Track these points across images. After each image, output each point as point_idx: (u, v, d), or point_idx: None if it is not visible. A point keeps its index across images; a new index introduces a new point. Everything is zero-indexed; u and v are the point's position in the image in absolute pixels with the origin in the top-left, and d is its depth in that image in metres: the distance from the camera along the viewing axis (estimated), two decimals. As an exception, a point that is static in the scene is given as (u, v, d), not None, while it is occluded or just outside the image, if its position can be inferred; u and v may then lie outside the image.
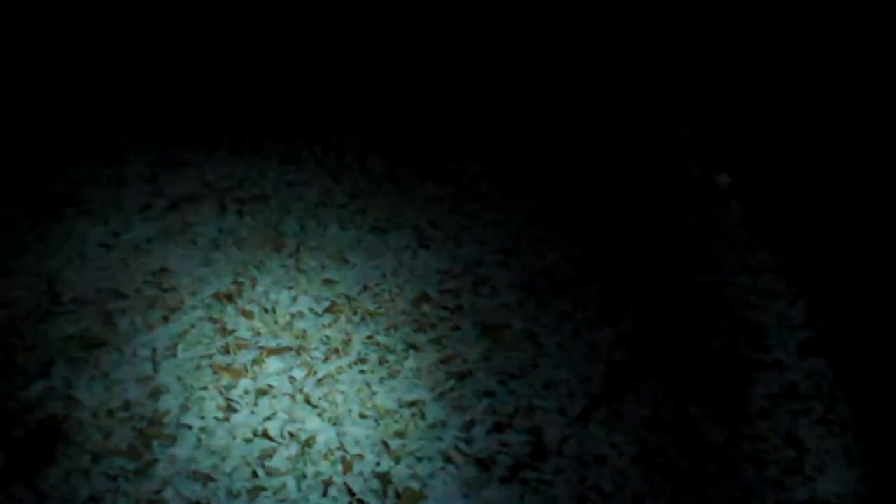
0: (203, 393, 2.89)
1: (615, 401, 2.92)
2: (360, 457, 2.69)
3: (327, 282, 3.39)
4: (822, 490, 2.65)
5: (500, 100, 4.68)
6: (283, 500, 2.55)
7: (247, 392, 2.90)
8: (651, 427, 2.82)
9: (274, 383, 2.94)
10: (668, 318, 3.24)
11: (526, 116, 4.52)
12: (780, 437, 2.81)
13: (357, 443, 2.74)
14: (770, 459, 2.74)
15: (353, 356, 3.06)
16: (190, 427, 2.77)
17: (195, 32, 5.22)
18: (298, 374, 2.98)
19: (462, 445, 2.75)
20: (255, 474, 2.63)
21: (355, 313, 3.25)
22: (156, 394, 2.89)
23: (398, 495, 2.58)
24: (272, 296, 3.32)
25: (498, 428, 2.82)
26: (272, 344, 3.09)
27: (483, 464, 2.69)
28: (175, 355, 3.03)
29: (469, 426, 2.82)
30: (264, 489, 2.59)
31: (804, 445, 2.78)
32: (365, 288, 3.37)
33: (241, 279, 3.40)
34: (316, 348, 3.09)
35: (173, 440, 2.73)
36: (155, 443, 2.72)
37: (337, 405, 2.87)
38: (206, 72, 4.86)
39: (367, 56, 5.02)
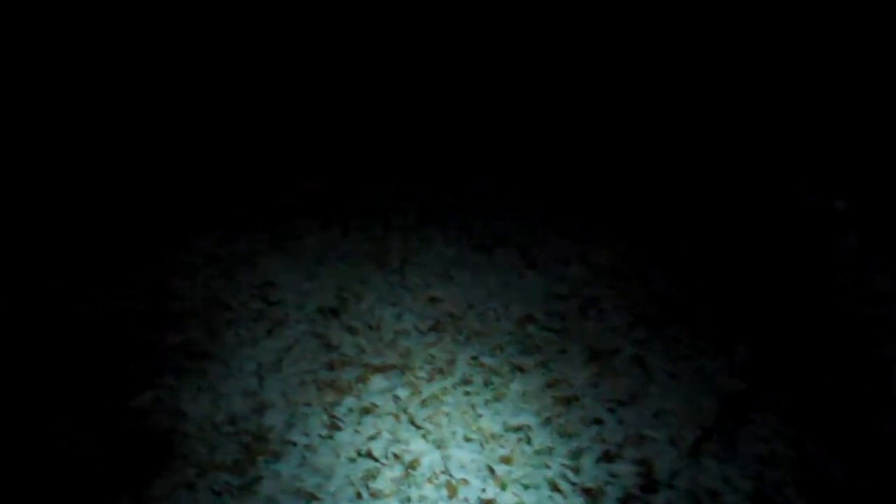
0: (307, 409, 2.87)
1: (729, 433, 2.81)
2: (465, 482, 2.63)
3: (432, 299, 3.35)
4: (953, 538, 2.51)
5: (612, 127, 4.60)
6: (386, 523, 2.51)
7: (351, 410, 2.87)
8: (767, 463, 2.71)
9: (378, 402, 2.91)
10: (786, 349, 3.12)
11: (640, 137, 4.43)
12: (907, 479, 2.67)
13: (462, 467, 2.68)
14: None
15: (457, 377, 3.01)
16: (294, 444, 2.75)
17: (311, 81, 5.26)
18: (402, 393, 2.94)
19: (569, 474, 2.68)
20: (359, 495, 2.59)
21: (460, 332, 3.20)
22: (261, 408, 2.87)
23: (504, 523, 2.52)
24: (376, 312, 3.29)
25: (606, 457, 2.74)
26: (376, 361, 3.06)
27: (591, 494, 2.61)
28: (280, 370, 3.02)
29: (577, 454, 2.74)
30: (368, 511, 2.55)
31: (932, 489, 2.64)
32: (470, 307, 3.32)
33: (345, 294, 3.38)
34: (420, 367, 3.05)
35: (278, 456, 2.71)
36: (260, 458, 2.70)
37: (441, 427, 2.82)
38: (315, 102, 4.88)
39: (477, 84, 4.98)
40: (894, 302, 3.29)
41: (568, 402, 2.93)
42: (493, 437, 2.79)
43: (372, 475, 2.65)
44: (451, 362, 3.07)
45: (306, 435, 2.79)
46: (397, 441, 2.78)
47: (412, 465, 2.68)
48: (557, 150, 4.37)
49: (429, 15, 5.01)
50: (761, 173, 4.08)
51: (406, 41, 5.14)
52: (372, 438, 2.78)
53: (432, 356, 3.09)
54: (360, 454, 2.73)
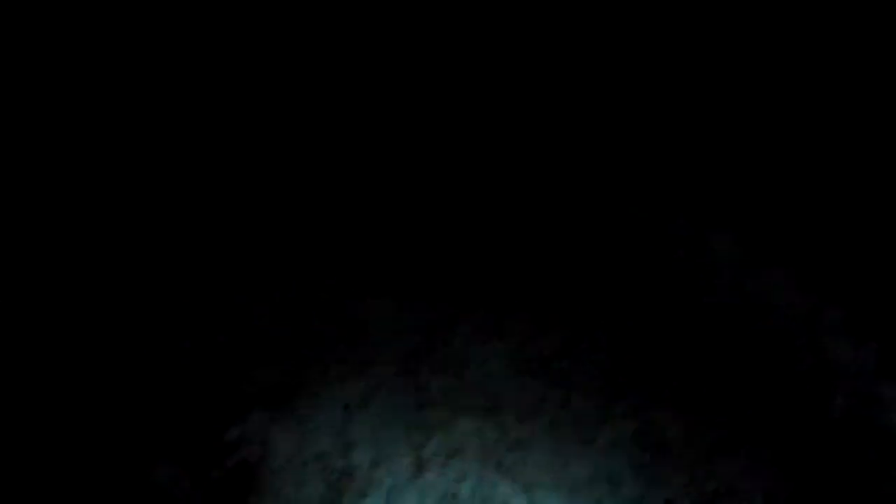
0: (394, 449, 2.86)
1: (826, 488, 2.72)
2: (553, 528, 2.59)
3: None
4: None
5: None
6: (472, 569, 2.48)
7: (438, 452, 2.85)
8: (868, 520, 2.61)
9: (465, 444, 2.88)
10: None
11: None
12: None
13: (549, 513, 2.64)
14: None
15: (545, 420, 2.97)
16: (381, 483, 2.74)
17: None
18: (490, 436, 2.91)
19: (661, 524, 2.62)
20: (444, 538, 2.56)
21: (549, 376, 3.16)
22: (348, 446, 2.87)
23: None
24: (466, 351, 3.27)
25: (698, 508, 2.67)
26: (464, 403, 3.04)
27: (682, 546, 2.54)
28: (367, 408, 3.01)
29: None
30: (453, 554, 2.52)
31: None
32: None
33: (434, 334, 3.37)
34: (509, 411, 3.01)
35: (364, 495, 2.71)
36: (346, 497, 2.70)
37: (528, 473, 2.78)
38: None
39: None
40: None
41: (659, 448, 2.87)
42: (582, 484, 2.74)
43: (458, 518, 2.63)
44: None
45: (392, 475, 2.79)
46: (483, 485, 2.75)
47: (499, 510, 2.65)
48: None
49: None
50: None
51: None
52: (458, 481, 2.77)
53: (520, 398, 3.06)
54: (446, 497, 2.71)
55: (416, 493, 2.71)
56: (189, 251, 3.90)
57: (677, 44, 4.52)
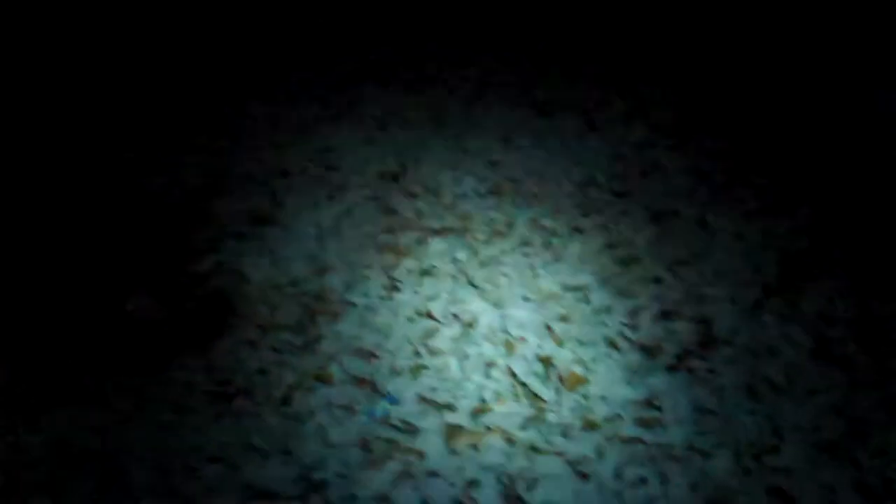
0: (367, 272, 2.90)
1: (791, 292, 2.78)
2: (523, 339, 2.65)
3: (491, 163, 3.33)
4: None
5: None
6: (445, 380, 2.55)
7: (410, 272, 2.90)
8: (829, 321, 2.68)
9: (437, 264, 2.93)
10: (851, 208, 3.05)
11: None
12: (973, 338, 2.63)
13: (520, 325, 2.70)
14: (961, 359, 2.57)
15: (516, 239, 3.01)
16: (354, 304, 2.79)
17: None
18: (461, 255, 2.95)
19: (627, 332, 2.68)
20: (417, 353, 2.63)
21: (519, 196, 3.19)
22: (321, 271, 2.91)
23: (561, 379, 2.54)
24: (436, 176, 3.29)
25: (665, 315, 2.73)
26: (435, 225, 3.07)
27: (648, 351, 2.62)
28: (339, 234, 3.04)
29: (635, 313, 2.74)
30: (426, 368, 2.59)
31: None
32: (530, 170, 3.30)
33: (404, 159, 3.37)
34: (479, 230, 3.05)
35: (338, 317, 2.76)
36: (320, 318, 2.75)
37: (500, 287, 2.83)
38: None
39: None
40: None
41: (627, 262, 2.92)
42: (552, 296, 2.80)
43: (431, 334, 2.68)
44: (510, 225, 3.07)
45: (366, 296, 2.83)
46: (456, 301, 2.80)
47: (470, 324, 2.71)
48: (616, 10, 4.25)
49: None
50: (825, 36, 3.93)
51: None
52: (431, 299, 2.81)
53: (491, 219, 3.09)
54: (419, 314, 2.76)
55: (389, 312, 2.76)
56: (156, 95, 3.86)
57: None
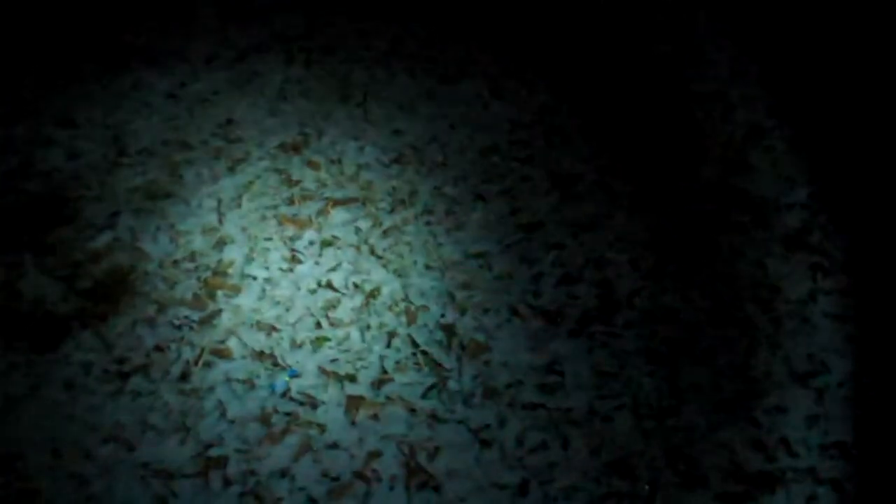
0: (268, 244, 2.86)
1: (691, 253, 2.81)
2: (425, 308, 2.64)
3: (395, 132, 3.29)
4: (906, 346, 2.53)
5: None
6: (346, 351, 2.53)
7: (311, 243, 2.86)
8: (727, 281, 2.72)
9: (339, 234, 2.89)
10: (750, 170, 3.09)
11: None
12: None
13: (422, 294, 2.69)
14: (851, 316, 2.62)
15: (419, 207, 2.99)
16: (254, 278, 2.75)
17: None
18: (364, 225, 2.92)
19: (529, 298, 2.68)
20: (318, 325, 2.60)
21: (423, 164, 3.16)
22: (220, 244, 2.86)
23: (463, 347, 2.53)
24: (338, 146, 3.24)
25: (567, 280, 2.74)
26: (338, 195, 3.03)
27: (550, 316, 2.62)
28: (240, 206, 2.99)
29: (537, 278, 2.75)
30: (328, 340, 2.56)
31: (890, 301, 2.65)
32: (433, 138, 3.27)
33: (307, 130, 3.32)
34: (382, 199, 3.02)
35: (238, 290, 2.72)
36: (219, 293, 2.71)
37: (402, 257, 2.81)
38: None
39: None
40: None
41: (530, 228, 2.91)
42: (454, 264, 2.79)
43: (332, 305, 2.66)
44: (413, 194, 3.04)
45: (266, 269, 2.78)
46: (358, 272, 2.77)
47: (372, 294, 2.69)
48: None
49: None
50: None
51: None
52: (332, 270, 2.78)
53: (394, 188, 3.06)
54: (320, 285, 2.73)
55: (290, 284, 2.73)
56: (45, 62, 3.74)
57: None
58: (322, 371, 2.48)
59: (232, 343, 2.55)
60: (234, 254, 2.82)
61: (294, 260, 2.80)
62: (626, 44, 3.71)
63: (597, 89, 3.48)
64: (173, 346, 2.55)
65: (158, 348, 2.54)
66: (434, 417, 2.35)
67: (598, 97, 3.43)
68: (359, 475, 2.25)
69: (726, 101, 3.33)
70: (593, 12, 3.90)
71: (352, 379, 2.46)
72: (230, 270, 2.77)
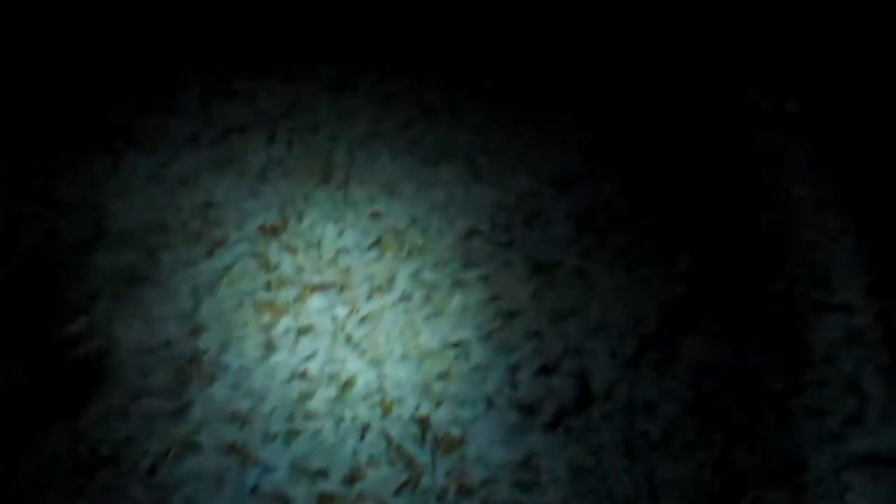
0: (243, 331, 2.83)
1: (669, 343, 2.78)
2: (400, 399, 2.61)
3: (375, 215, 3.28)
4: (884, 443, 2.50)
5: (560, 25, 4.47)
6: (319, 444, 2.49)
7: (288, 330, 2.83)
8: (706, 373, 2.69)
9: (315, 321, 2.86)
10: (728, 256, 3.07)
11: (587, 42, 4.31)
12: (843, 386, 2.65)
13: (398, 385, 2.66)
14: (830, 409, 2.59)
15: (397, 293, 2.96)
16: (229, 367, 2.72)
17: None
18: (341, 311, 2.90)
19: (506, 389, 2.65)
20: (291, 417, 2.57)
21: (402, 248, 3.14)
22: (196, 332, 2.83)
23: (437, 441, 2.50)
24: (318, 230, 3.22)
25: (544, 371, 2.71)
26: (315, 280, 3.01)
27: (527, 409, 2.59)
28: (217, 292, 2.97)
29: (514, 369, 2.72)
30: (301, 432, 2.53)
31: (867, 394, 2.62)
32: (413, 221, 3.26)
33: (287, 212, 3.31)
34: (360, 285, 3.00)
35: (212, 380, 2.68)
36: (193, 382, 2.67)
37: (379, 345, 2.78)
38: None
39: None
40: (839, 207, 3.23)
41: (509, 315, 2.89)
42: (431, 354, 2.76)
43: (307, 396, 2.62)
44: (392, 279, 3.02)
45: (241, 357, 2.75)
46: (333, 361, 2.74)
47: (348, 385, 2.66)
48: (511, 52, 4.25)
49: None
50: (713, 75, 3.98)
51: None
52: (308, 359, 2.75)
53: (373, 273, 3.04)
54: (295, 375, 2.69)
55: (264, 374, 2.69)
56: (27, 140, 3.73)
57: None
58: (294, 466, 2.44)
59: (203, 436, 2.52)
60: (209, 341, 2.79)
61: (269, 348, 2.77)
62: (602, 127, 3.72)
63: (578, 172, 3.48)
64: (144, 438, 2.51)
65: (129, 440, 2.50)
66: (407, 516, 2.32)
67: (580, 181, 3.43)
68: (329, 577, 2.20)
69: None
70: (566, 97, 3.92)
71: (324, 475, 2.42)
72: (205, 359, 2.74)
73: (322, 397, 2.62)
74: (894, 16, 3.68)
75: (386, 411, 2.58)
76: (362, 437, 2.51)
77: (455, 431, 2.53)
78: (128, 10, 4.58)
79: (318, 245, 3.16)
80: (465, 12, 4.54)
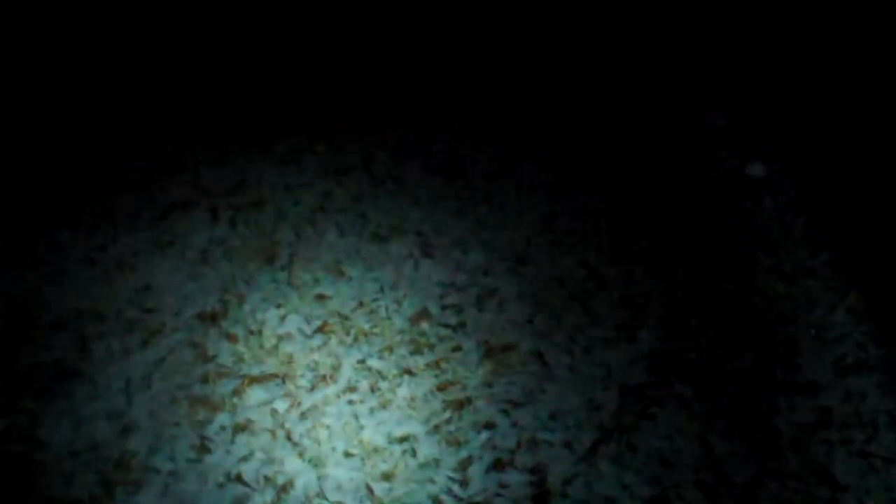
0: (176, 430, 2.65)
1: (628, 432, 2.62)
2: (341, 505, 2.43)
3: (320, 297, 3.12)
4: (860, 541, 2.34)
5: (514, 90, 4.36)
6: (252, 558, 2.30)
7: (223, 428, 2.65)
8: (668, 464, 2.52)
9: (253, 417, 2.69)
10: (691, 334, 2.92)
11: (542, 108, 4.19)
12: (813, 474, 2.49)
13: (339, 487, 2.48)
14: (801, 500, 2.43)
15: (341, 384, 2.80)
16: (158, 471, 2.53)
17: (189, 26, 4.96)
18: (281, 406, 2.72)
19: (455, 488, 2.48)
20: (223, 527, 2.38)
21: (348, 334, 2.98)
22: (126, 432, 2.65)
23: (379, 551, 2.31)
24: (259, 315, 3.06)
25: (497, 466, 2.54)
26: (255, 371, 2.84)
27: (478, 509, 2.41)
28: (150, 386, 2.79)
29: (465, 465, 2.54)
30: (232, 545, 2.34)
31: (840, 483, 2.46)
32: (360, 304, 3.10)
33: (227, 296, 3.14)
34: (302, 375, 2.83)
35: (139, 486, 2.49)
36: (119, 489, 2.48)
37: (320, 443, 2.61)
38: (201, 67, 4.59)
39: (370, 50, 4.71)
40: (806, 278, 3.10)
41: (459, 405, 2.73)
42: (376, 450, 2.59)
43: (241, 502, 2.44)
44: (336, 368, 2.86)
45: (172, 460, 2.57)
46: (271, 462, 2.57)
47: (284, 489, 2.48)
48: (462, 121, 4.12)
49: None
50: (673, 137, 3.86)
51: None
52: (243, 460, 2.57)
53: (316, 362, 2.88)
54: (229, 479, 2.51)
55: (196, 478, 2.51)
56: (-44, 224, 3.56)
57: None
58: (224, 583, 2.26)
59: (126, 552, 2.32)
60: (138, 443, 2.61)
61: (203, 449, 2.59)
62: (560, 197, 3.59)
63: (533, 245, 3.33)
64: (62, 555, 2.31)
65: (46, 559, 2.30)
66: None
67: (535, 255, 3.29)
68: None
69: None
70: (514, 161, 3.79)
71: None
72: (133, 463, 2.56)
73: (257, 503, 2.44)
74: (864, 71, 3.58)
75: (325, 518, 2.40)
76: (298, 549, 2.33)
77: (399, 540, 2.35)
78: (71, 78, 4.44)
79: (260, 332, 2.99)
80: (414, 80, 4.42)
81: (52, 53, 4.59)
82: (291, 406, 2.72)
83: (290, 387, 2.79)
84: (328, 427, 2.66)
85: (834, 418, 2.65)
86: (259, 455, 2.58)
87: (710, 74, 4.25)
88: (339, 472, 2.52)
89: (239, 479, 2.51)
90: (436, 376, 2.82)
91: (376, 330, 3.00)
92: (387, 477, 2.50)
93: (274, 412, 2.70)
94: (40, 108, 4.24)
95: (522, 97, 4.26)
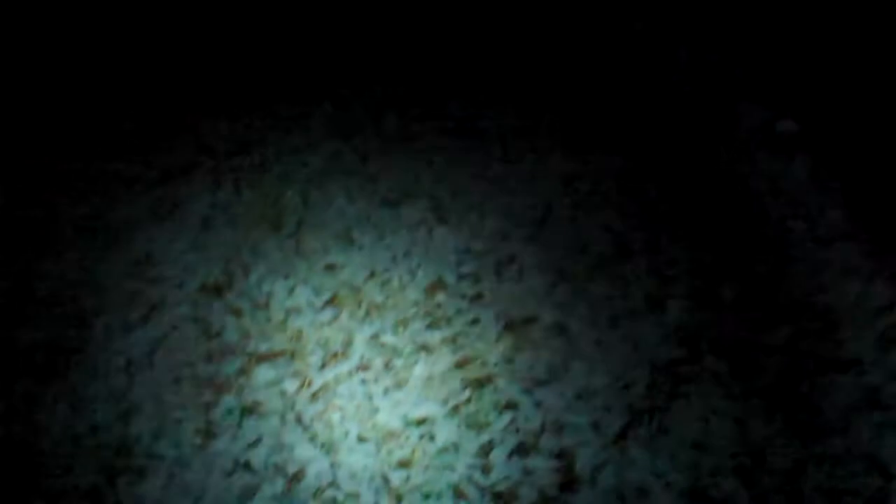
0: (180, 413, 2.50)
1: (660, 413, 2.46)
2: (355, 496, 2.27)
3: (329, 267, 2.95)
4: (914, 534, 2.18)
5: (529, 44, 4.14)
6: (262, 553, 2.16)
7: (230, 411, 2.50)
8: (703, 448, 2.36)
9: (261, 398, 2.53)
10: (723, 305, 2.75)
11: (562, 63, 3.98)
12: (861, 460, 2.33)
13: (352, 476, 2.33)
14: (848, 489, 2.27)
15: (354, 361, 2.64)
16: (162, 458, 2.38)
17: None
18: (290, 386, 2.57)
19: (477, 475, 2.33)
20: (231, 520, 2.23)
21: (359, 307, 2.81)
22: (127, 415, 2.50)
23: (397, 547, 2.17)
24: (265, 287, 2.89)
25: (520, 451, 2.38)
26: (262, 348, 2.68)
27: (502, 498, 2.26)
28: (152, 365, 2.63)
29: (486, 450, 2.39)
30: (241, 539, 2.19)
31: (891, 471, 2.30)
32: (372, 274, 2.93)
33: (231, 267, 2.97)
34: (312, 352, 2.67)
35: (143, 474, 2.35)
36: (121, 479, 2.33)
37: (332, 427, 2.45)
38: (199, 23, 4.38)
39: (382, 3, 4.49)
40: (844, 241, 2.91)
41: (479, 384, 2.57)
42: (391, 434, 2.43)
43: (249, 492, 2.30)
44: (348, 343, 2.70)
45: (176, 447, 2.43)
46: (280, 448, 2.41)
47: (296, 478, 2.33)
48: (478, 77, 3.92)
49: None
50: (702, 94, 3.66)
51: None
52: (251, 446, 2.42)
53: (326, 338, 2.71)
54: (237, 466, 2.36)
55: (202, 465, 2.36)
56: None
57: None
58: (232, 581, 2.12)
59: (129, 547, 2.18)
60: (141, 427, 2.46)
61: (208, 434, 2.44)
62: (582, 156, 3.40)
63: (554, 209, 3.15)
64: (61, 552, 2.17)
65: (44, 555, 2.17)
66: None
67: (556, 220, 3.10)
68: None
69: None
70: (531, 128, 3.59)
71: None
72: (136, 448, 2.40)
73: (266, 494, 2.30)
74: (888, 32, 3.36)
75: (339, 510, 2.25)
76: (311, 544, 2.19)
77: (418, 533, 2.20)
78: (65, 36, 4.24)
79: (266, 305, 2.82)
80: (425, 34, 4.20)
81: (46, 12, 4.39)
82: (301, 386, 2.57)
83: (299, 365, 2.63)
84: (340, 409, 2.50)
85: (881, 398, 2.48)
86: (268, 440, 2.43)
87: (736, 25, 4.03)
88: (353, 459, 2.37)
89: (247, 466, 2.36)
90: (453, 352, 2.66)
91: (389, 302, 2.83)
92: (404, 464, 2.35)
93: (283, 393, 2.55)
94: (31, 68, 4.05)
95: (539, 52, 4.05)
